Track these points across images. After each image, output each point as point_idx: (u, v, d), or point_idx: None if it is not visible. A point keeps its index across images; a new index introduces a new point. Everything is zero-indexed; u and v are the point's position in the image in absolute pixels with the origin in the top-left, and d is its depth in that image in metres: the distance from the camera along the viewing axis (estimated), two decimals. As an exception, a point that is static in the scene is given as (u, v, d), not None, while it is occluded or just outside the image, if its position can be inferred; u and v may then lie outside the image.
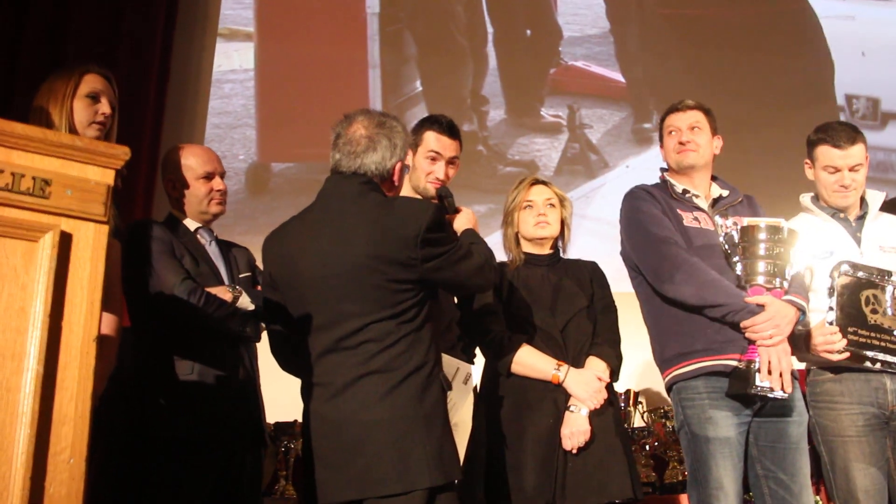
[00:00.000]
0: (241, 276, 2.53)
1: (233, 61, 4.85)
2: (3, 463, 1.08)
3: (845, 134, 2.58)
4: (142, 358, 2.36)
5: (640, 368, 3.83)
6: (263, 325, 2.45)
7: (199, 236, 2.49)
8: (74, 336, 1.16)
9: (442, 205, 2.28)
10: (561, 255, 2.66)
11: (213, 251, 2.50)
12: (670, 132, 2.58)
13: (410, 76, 4.95)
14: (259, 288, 2.50)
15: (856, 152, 2.57)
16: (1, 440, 1.09)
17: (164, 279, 2.27)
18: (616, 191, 2.76)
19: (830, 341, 2.36)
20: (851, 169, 2.58)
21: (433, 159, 2.51)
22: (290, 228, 2.08)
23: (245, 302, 2.37)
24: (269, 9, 4.96)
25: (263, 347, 2.32)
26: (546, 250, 2.62)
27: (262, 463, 2.61)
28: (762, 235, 2.34)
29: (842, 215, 2.64)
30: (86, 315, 1.17)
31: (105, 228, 1.21)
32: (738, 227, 2.40)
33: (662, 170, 2.66)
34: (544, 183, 2.66)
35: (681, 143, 2.54)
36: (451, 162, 2.54)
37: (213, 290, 2.33)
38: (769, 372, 2.24)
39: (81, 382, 1.15)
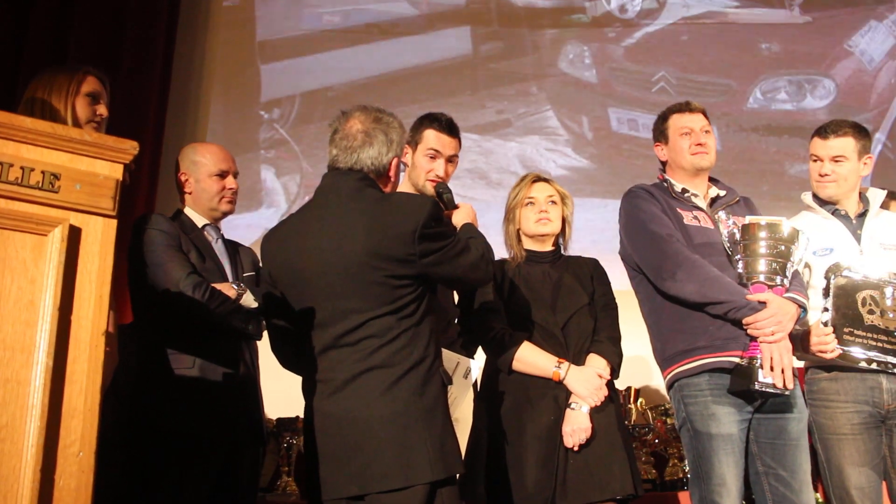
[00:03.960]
0: (245, 274, 2.54)
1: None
2: (13, 455, 1.09)
3: (835, 124, 2.62)
4: (145, 351, 2.37)
5: (640, 365, 3.83)
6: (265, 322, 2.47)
7: (206, 233, 2.51)
8: (83, 330, 1.17)
9: (439, 199, 2.28)
10: (562, 252, 2.66)
11: (218, 248, 2.52)
12: (683, 133, 2.58)
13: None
14: None
15: (838, 143, 2.59)
16: (11, 433, 1.10)
17: (170, 273, 2.29)
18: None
19: (824, 342, 2.40)
20: (833, 160, 2.59)
21: (433, 157, 2.51)
22: (287, 226, 2.07)
23: (248, 300, 2.37)
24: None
25: (265, 344, 2.33)
26: (547, 247, 2.62)
27: (262, 460, 2.61)
28: (763, 233, 2.35)
29: (842, 213, 2.65)
30: (94, 309, 1.18)
31: (114, 223, 1.21)
32: (740, 226, 2.41)
33: (661, 170, 2.67)
34: (546, 180, 2.66)
35: (699, 145, 2.55)
36: (450, 160, 2.55)
37: (218, 287, 2.34)
38: (771, 368, 2.25)
39: (90, 376, 1.16)
